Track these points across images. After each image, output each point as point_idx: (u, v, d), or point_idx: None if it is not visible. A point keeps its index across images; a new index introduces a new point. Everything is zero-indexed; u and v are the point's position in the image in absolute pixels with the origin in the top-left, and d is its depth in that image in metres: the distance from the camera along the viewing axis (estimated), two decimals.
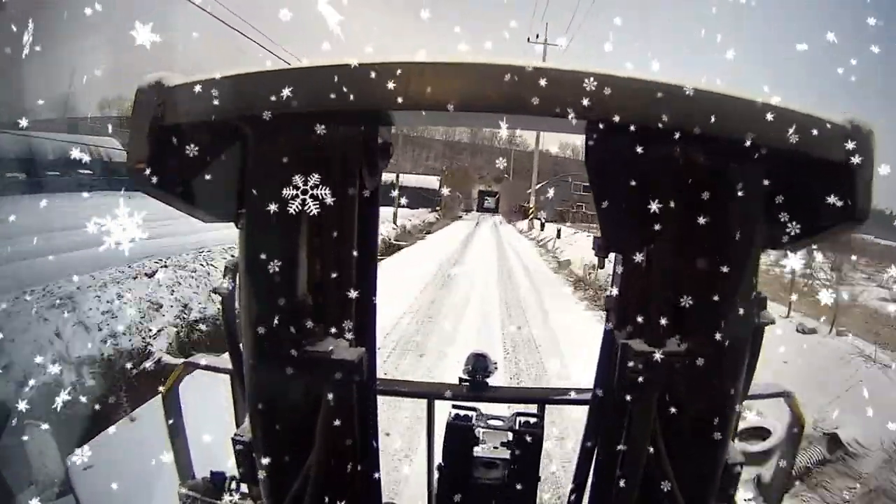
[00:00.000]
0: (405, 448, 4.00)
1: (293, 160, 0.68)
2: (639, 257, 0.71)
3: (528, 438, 1.16)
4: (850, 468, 3.81)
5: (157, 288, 6.34)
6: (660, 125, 0.61)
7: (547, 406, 1.26)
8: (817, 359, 4.99)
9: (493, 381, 1.33)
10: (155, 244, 7.47)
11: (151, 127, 0.66)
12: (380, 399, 0.94)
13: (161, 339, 5.66)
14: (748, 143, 0.62)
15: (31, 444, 2.97)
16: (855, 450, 3.86)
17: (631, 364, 0.70)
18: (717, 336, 0.69)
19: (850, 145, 0.64)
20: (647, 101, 0.61)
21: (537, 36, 28.32)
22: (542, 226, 27.95)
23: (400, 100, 0.61)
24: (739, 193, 0.68)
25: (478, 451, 1.22)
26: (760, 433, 3.44)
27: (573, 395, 1.30)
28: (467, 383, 1.32)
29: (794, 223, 0.70)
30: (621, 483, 0.76)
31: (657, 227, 0.68)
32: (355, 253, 0.73)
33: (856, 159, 0.64)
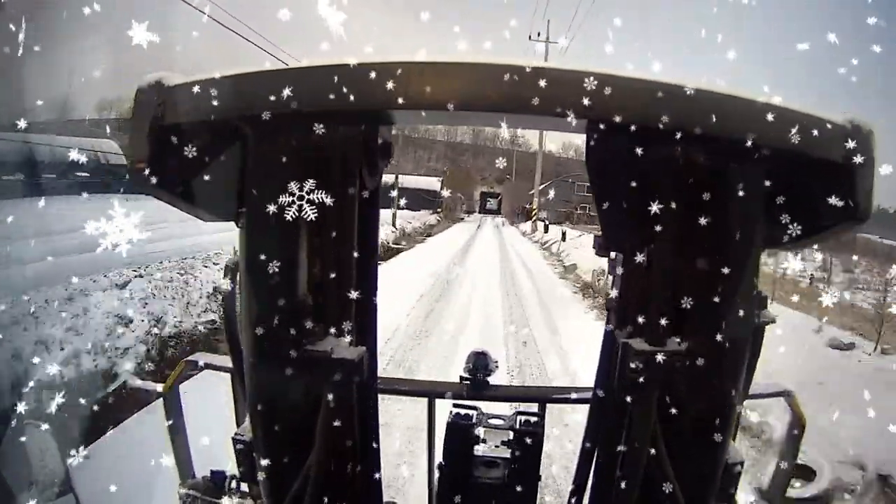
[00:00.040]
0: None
1: (293, 160, 0.68)
2: (639, 257, 0.71)
3: (529, 438, 1.16)
4: None
5: (128, 301, 6.07)
6: (660, 125, 0.60)
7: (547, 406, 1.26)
8: (862, 381, 4.32)
9: (493, 379, 1.34)
10: (136, 250, 7.36)
11: (151, 127, 0.66)
12: (380, 399, 0.94)
13: (128, 360, 5.31)
14: (749, 143, 0.62)
15: (31, 443, 2.95)
16: None
17: (631, 364, 0.70)
18: (718, 336, 0.70)
19: (851, 145, 0.64)
20: (648, 101, 0.60)
21: (539, 34, 28.27)
22: (546, 228, 27.85)
23: (400, 100, 0.61)
24: (740, 193, 0.68)
25: (478, 450, 1.22)
26: (805, 474, 3.11)
27: (573, 394, 1.30)
28: (468, 382, 1.32)
29: (794, 223, 0.70)
30: (622, 484, 0.76)
31: (658, 226, 0.68)
32: (356, 253, 0.73)
33: (856, 159, 0.64)
